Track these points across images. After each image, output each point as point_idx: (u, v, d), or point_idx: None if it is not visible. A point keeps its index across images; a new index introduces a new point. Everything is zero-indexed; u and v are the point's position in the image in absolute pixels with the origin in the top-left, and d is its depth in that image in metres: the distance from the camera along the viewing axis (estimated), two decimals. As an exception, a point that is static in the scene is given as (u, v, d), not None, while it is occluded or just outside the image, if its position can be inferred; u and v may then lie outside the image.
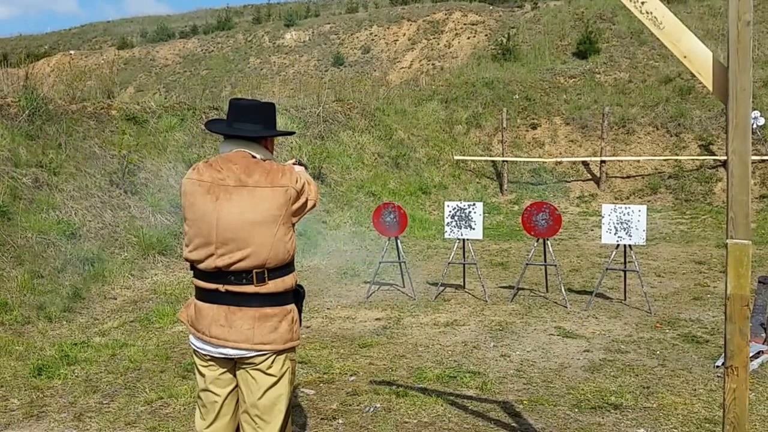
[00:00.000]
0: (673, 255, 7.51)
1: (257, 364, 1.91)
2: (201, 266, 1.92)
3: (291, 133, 2.63)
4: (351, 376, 3.80)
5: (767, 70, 12.26)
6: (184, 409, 3.34)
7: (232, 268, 1.88)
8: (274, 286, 1.91)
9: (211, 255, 1.88)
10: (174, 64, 24.01)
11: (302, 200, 1.98)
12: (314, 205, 2.07)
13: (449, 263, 5.88)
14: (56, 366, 3.96)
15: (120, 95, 9.56)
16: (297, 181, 1.96)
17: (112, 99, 8.61)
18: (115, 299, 5.58)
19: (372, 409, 3.29)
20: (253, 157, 1.97)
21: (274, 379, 1.93)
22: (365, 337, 4.58)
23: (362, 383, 3.66)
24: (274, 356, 1.92)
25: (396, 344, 4.43)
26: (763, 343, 4.03)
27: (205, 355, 1.96)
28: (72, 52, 26.24)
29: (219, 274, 1.90)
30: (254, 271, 1.88)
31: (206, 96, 10.78)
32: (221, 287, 1.90)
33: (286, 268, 1.95)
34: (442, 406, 3.33)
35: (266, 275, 1.89)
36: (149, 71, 23.83)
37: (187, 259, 1.99)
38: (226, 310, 1.90)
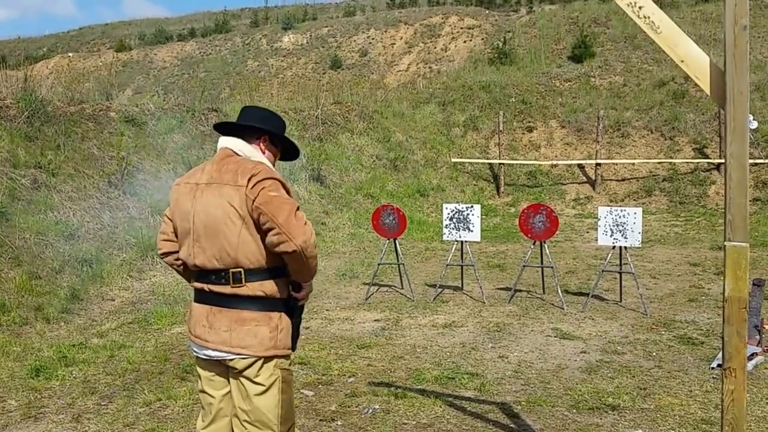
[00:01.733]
0: (668, 257, 7.56)
1: (241, 370, 1.88)
2: (188, 265, 1.96)
3: (295, 148, 2.16)
4: (350, 377, 3.81)
5: (759, 74, 12.39)
6: (183, 410, 3.33)
7: (208, 266, 1.87)
8: (251, 289, 1.86)
9: (190, 253, 1.91)
10: (172, 67, 23.99)
11: (253, 209, 1.77)
12: (284, 234, 1.74)
13: (447, 265, 5.90)
14: (54, 367, 3.94)
15: (118, 97, 9.56)
16: (259, 183, 1.78)
17: (111, 101, 8.63)
18: (113, 300, 5.57)
19: (371, 411, 3.29)
20: (236, 154, 1.93)
21: (262, 388, 1.89)
22: (364, 339, 4.59)
23: (361, 384, 3.67)
24: (260, 364, 1.88)
25: (394, 345, 4.44)
26: (758, 345, 4.07)
27: (196, 356, 1.98)
28: (70, 54, 26.17)
29: (203, 273, 1.91)
30: (230, 270, 1.85)
31: (204, 98, 10.79)
32: (205, 287, 1.91)
33: (267, 271, 1.87)
34: (440, 407, 3.34)
35: (243, 276, 1.85)
36: (147, 73, 23.79)
37: (178, 258, 2.01)
38: (208, 310, 1.90)
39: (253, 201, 1.78)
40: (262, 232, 1.83)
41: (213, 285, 1.90)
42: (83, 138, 7.38)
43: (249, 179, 1.80)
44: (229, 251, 1.85)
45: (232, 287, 1.87)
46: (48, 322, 4.87)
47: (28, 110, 6.83)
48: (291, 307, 1.97)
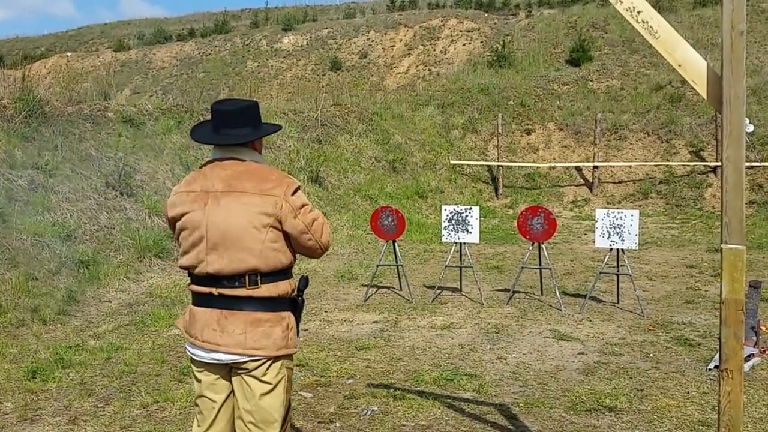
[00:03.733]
0: (665, 259, 7.59)
1: (251, 370, 1.89)
2: (195, 272, 1.92)
3: (278, 127, 2.48)
4: (348, 379, 3.81)
5: (755, 78, 12.47)
6: (180, 413, 3.32)
7: (223, 272, 1.86)
8: (267, 290, 1.88)
9: (202, 261, 1.88)
10: (171, 67, 23.94)
11: (298, 226, 1.90)
12: (319, 248, 1.98)
13: (446, 266, 5.91)
14: (51, 369, 3.93)
15: (116, 97, 9.56)
16: (294, 195, 1.89)
17: (109, 101, 8.62)
18: (110, 302, 5.55)
19: (369, 413, 3.29)
20: (243, 161, 1.94)
21: (269, 386, 1.90)
22: (362, 340, 4.59)
23: (360, 386, 3.67)
24: (269, 363, 1.90)
25: (393, 347, 4.44)
26: (754, 347, 4.08)
27: (199, 361, 1.95)
28: (69, 54, 26.09)
29: (212, 278, 1.89)
30: (246, 274, 1.86)
31: (203, 99, 10.80)
32: (214, 291, 1.89)
33: (280, 273, 1.92)
34: (439, 408, 3.34)
35: (259, 279, 1.87)
36: (146, 74, 23.75)
37: (181, 267, 1.99)
38: (218, 314, 1.89)
39: (295, 216, 1.91)
40: (293, 237, 1.92)
41: (224, 289, 1.88)
42: (81, 138, 7.37)
43: (284, 191, 1.89)
44: (249, 257, 1.86)
45: (248, 289, 1.87)
46: (44, 323, 4.85)
47: (26, 110, 6.82)
48: (296, 304, 2.00)
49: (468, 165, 12.22)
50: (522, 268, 5.68)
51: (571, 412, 3.29)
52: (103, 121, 7.84)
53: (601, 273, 5.47)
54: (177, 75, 23.11)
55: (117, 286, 5.81)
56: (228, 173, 1.90)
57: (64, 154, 6.93)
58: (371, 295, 5.98)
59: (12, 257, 5.35)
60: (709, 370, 3.85)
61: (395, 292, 6.16)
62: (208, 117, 2.14)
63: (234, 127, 1.94)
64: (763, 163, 10.60)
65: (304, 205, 1.92)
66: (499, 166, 11.83)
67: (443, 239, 5.83)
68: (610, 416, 3.24)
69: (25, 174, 6.29)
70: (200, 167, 2.02)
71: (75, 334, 4.77)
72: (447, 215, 5.74)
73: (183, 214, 1.92)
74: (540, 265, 5.80)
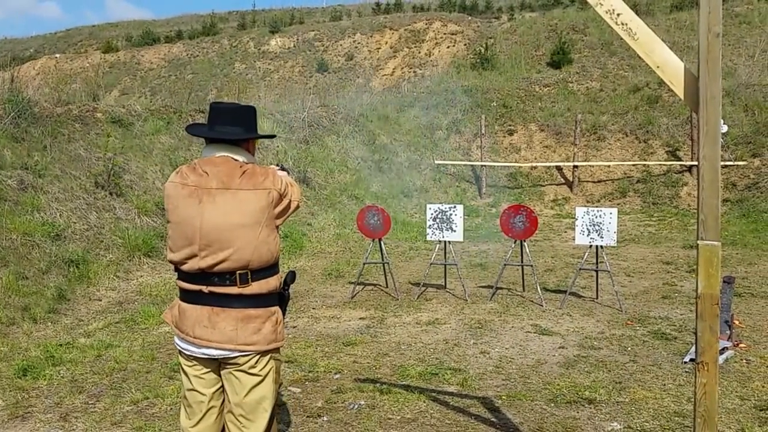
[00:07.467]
0: (642, 256, 7.78)
1: (241, 365, 1.92)
2: (184, 268, 1.93)
3: (272, 137, 2.51)
4: (336, 374, 3.87)
5: (729, 80, 12.83)
6: (170, 409, 3.35)
7: (216, 269, 1.88)
8: (257, 287, 1.91)
9: (195, 256, 1.90)
10: (159, 68, 23.71)
11: (285, 203, 2.00)
12: (297, 207, 2.09)
13: (431, 264, 6.02)
14: (41, 367, 3.94)
15: (105, 98, 9.52)
16: (280, 184, 1.97)
17: (97, 102, 8.60)
18: (100, 300, 5.56)
19: (356, 407, 3.35)
20: (235, 160, 1.97)
21: (259, 378, 1.94)
22: (349, 336, 4.67)
23: (347, 381, 3.73)
24: (258, 356, 1.93)
25: (379, 343, 4.53)
26: (728, 340, 4.20)
27: (189, 355, 1.97)
28: (57, 55, 25.71)
29: (202, 276, 1.90)
30: (237, 272, 1.88)
31: (192, 100, 10.79)
32: (204, 288, 1.91)
33: (270, 269, 1.95)
34: (424, 402, 3.41)
35: (249, 276, 1.90)
36: (134, 75, 23.50)
37: (170, 261, 2.02)
38: (209, 311, 1.91)
39: (281, 193, 2.01)
40: (277, 215, 2.01)
41: (215, 286, 1.91)
42: (70, 139, 7.35)
43: (273, 181, 1.99)
44: (242, 255, 1.89)
45: (239, 287, 1.91)
46: (35, 322, 4.86)
47: (15, 111, 6.79)
48: (283, 298, 2.06)
49: (452, 165, 12.37)
50: (504, 265, 5.80)
51: (552, 405, 3.37)
52: (91, 121, 7.82)
53: (580, 269, 5.62)
54: (165, 76, 22.91)
55: (107, 285, 5.82)
56: (220, 170, 1.92)
57: (53, 154, 6.91)
58: (358, 293, 6.06)
59: (2, 257, 5.33)
60: (685, 362, 3.95)
61: (381, 290, 6.25)
62: (197, 118, 2.23)
63: (228, 125, 2.00)
64: (736, 163, 10.92)
65: (285, 186, 2.03)
66: (482, 165, 12.00)
67: (428, 237, 5.93)
68: (590, 408, 3.32)
69: (15, 174, 6.27)
70: (189, 164, 2.05)
71: (65, 332, 4.78)
72: (432, 214, 5.85)
73: (176, 207, 1.95)
74: (522, 262, 5.94)
